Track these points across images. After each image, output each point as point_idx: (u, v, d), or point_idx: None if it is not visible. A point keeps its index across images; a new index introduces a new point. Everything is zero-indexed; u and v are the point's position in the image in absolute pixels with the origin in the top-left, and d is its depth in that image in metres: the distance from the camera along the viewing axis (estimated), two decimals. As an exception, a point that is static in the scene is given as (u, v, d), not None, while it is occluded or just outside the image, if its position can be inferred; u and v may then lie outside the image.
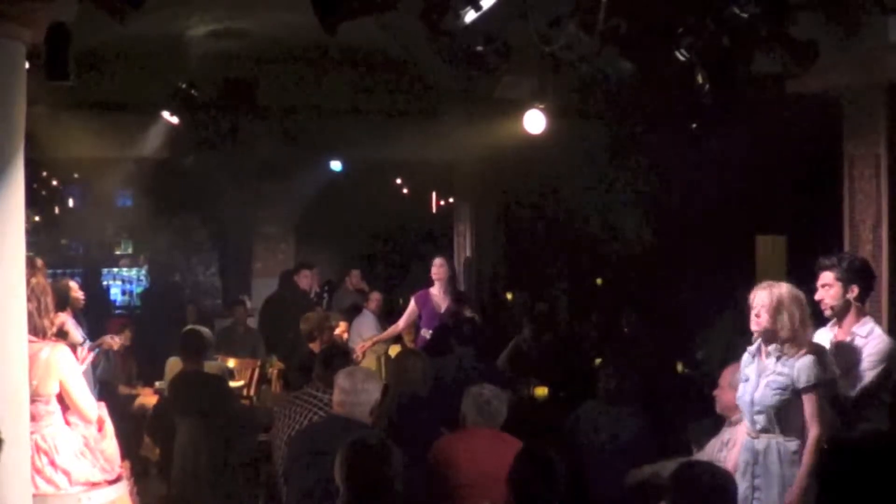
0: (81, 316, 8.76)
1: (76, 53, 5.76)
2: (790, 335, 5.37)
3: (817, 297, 5.82)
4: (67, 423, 5.61)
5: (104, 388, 9.44)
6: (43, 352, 5.42)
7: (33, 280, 5.45)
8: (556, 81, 9.52)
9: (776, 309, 5.38)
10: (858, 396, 5.70)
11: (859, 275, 5.83)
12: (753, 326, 5.48)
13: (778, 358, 5.41)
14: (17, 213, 5.08)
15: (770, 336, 5.44)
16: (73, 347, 6.91)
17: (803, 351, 5.37)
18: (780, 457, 5.35)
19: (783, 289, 5.44)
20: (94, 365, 8.90)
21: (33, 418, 5.30)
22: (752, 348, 5.62)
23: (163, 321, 12.64)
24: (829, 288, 5.82)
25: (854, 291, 5.81)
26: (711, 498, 4.09)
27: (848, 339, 5.81)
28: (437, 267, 9.68)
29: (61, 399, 5.60)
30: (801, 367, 5.33)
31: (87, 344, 8.45)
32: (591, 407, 7.39)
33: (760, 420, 5.43)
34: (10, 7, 5.00)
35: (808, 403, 5.33)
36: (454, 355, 8.31)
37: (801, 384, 5.32)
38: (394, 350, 10.97)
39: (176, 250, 18.51)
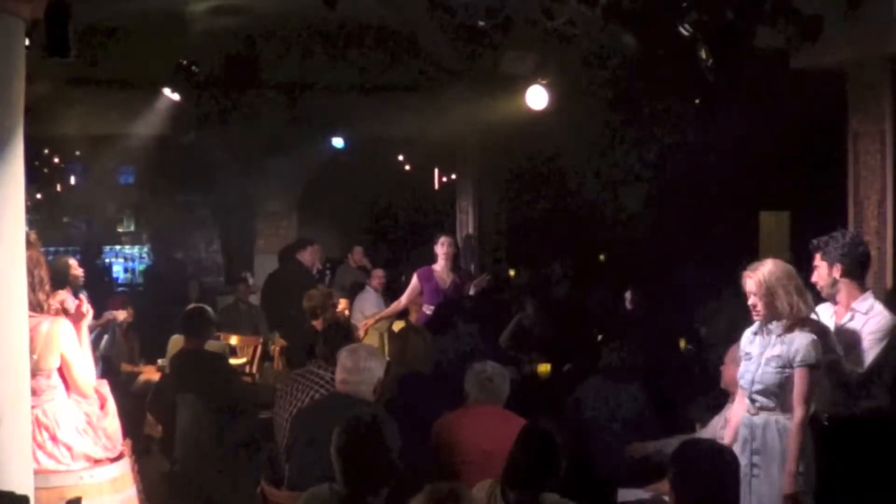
0: (82, 293, 8.74)
1: (77, 29, 5.72)
2: (789, 312, 5.32)
3: (812, 279, 5.81)
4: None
5: (106, 366, 9.45)
6: (43, 325, 5.41)
7: (24, 254, 5.42)
8: (559, 57, 9.48)
9: (769, 292, 5.32)
10: (861, 374, 5.68)
11: (843, 252, 5.81)
12: (755, 316, 5.44)
13: (779, 335, 5.37)
14: (16, 190, 5.05)
15: (773, 317, 5.40)
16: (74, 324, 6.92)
17: (804, 327, 5.32)
18: (780, 434, 5.31)
19: (768, 269, 5.35)
20: (95, 343, 8.92)
21: (34, 393, 5.29)
22: (753, 327, 5.58)
23: (165, 299, 12.66)
24: (817, 269, 5.83)
25: (838, 270, 5.79)
26: (713, 476, 4.07)
27: (848, 315, 5.80)
28: (443, 245, 9.66)
29: (63, 374, 5.59)
30: (799, 343, 5.27)
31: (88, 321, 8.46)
32: (593, 384, 7.38)
33: (760, 398, 5.39)
34: (9, -17, 4.96)
35: (798, 381, 5.26)
36: (457, 332, 8.30)
37: (797, 361, 5.27)
38: (398, 327, 10.95)
39: (178, 227, 18.52)
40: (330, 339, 6.61)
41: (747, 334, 5.61)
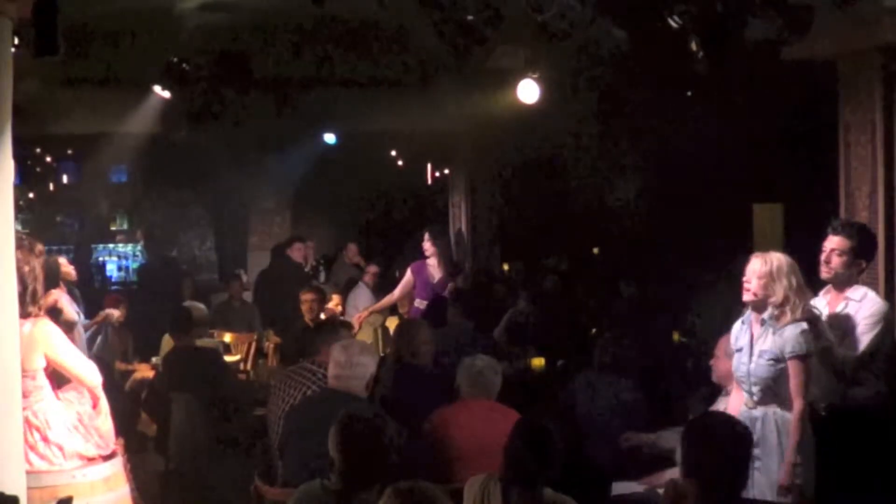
0: (76, 291, 8.73)
1: (66, 28, 5.69)
2: (782, 302, 5.31)
3: (824, 258, 5.76)
4: (58, 398, 5.59)
5: (100, 365, 9.41)
6: (24, 327, 5.38)
7: (26, 268, 5.41)
8: (549, 51, 9.45)
9: (769, 276, 5.33)
10: (855, 359, 5.68)
11: (870, 249, 5.84)
12: (745, 296, 5.43)
13: (769, 327, 5.37)
14: (5, 190, 5.03)
15: (761, 305, 5.40)
16: (70, 326, 6.90)
17: (794, 319, 5.31)
18: (778, 427, 5.31)
19: (778, 257, 5.39)
20: (89, 343, 8.91)
21: (22, 395, 5.27)
22: (743, 317, 5.58)
23: (159, 297, 12.62)
24: (839, 254, 5.75)
25: (862, 266, 5.80)
26: (728, 447, 4.03)
27: (842, 303, 5.79)
28: (425, 242, 9.71)
29: (51, 374, 5.57)
30: (788, 335, 5.28)
31: (83, 321, 8.46)
32: (587, 377, 7.38)
33: (757, 392, 5.40)
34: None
35: (793, 373, 5.27)
36: (449, 326, 8.30)
37: (787, 353, 5.27)
38: (391, 322, 10.96)
39: (172, 225, 18.50)
40: (322, 336, 6.59)
41: (737, 326, 5.61)
